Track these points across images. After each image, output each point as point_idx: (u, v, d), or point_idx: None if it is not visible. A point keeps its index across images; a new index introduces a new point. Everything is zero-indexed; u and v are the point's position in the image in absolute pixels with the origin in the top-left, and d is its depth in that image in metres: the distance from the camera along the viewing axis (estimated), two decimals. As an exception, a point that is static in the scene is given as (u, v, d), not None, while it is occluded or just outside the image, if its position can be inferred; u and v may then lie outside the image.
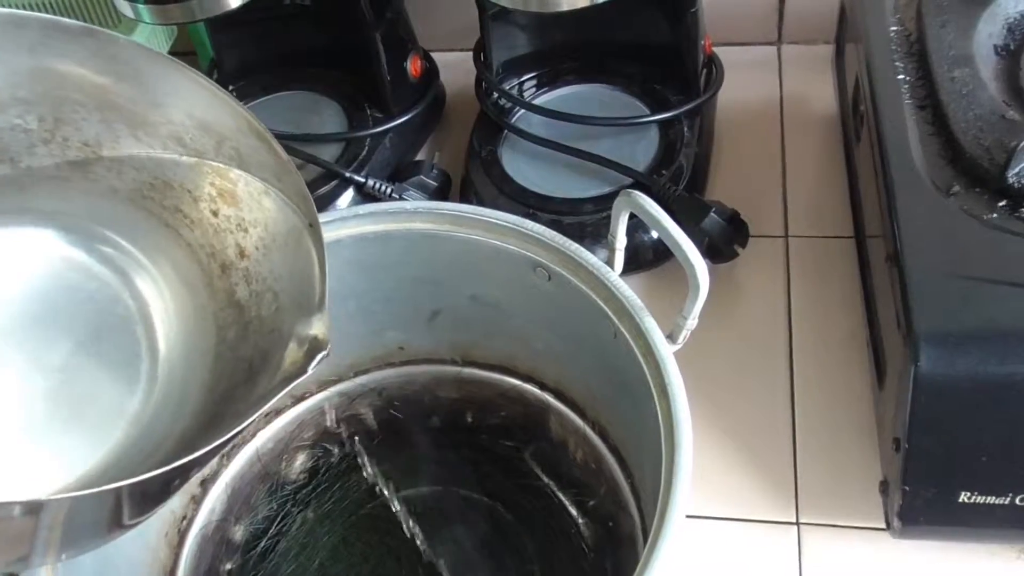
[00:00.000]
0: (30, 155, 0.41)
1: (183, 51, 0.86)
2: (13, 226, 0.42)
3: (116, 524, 0.37)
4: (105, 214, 0.44)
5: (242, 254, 0.44)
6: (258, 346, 0.42)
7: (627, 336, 0.44)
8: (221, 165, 0.43)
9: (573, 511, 0.56)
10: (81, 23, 0.38)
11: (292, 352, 0.40)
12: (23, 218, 0.42)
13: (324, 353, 0.39)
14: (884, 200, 0.49)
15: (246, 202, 0.43)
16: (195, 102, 0.41)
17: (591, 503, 0.55)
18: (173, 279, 0.45)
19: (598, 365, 0.48)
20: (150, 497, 0.36)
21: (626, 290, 0.45)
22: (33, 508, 0.31)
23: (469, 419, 0.59)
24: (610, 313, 0.45)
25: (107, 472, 0.40)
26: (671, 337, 0.44)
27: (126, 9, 0.61)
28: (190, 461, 0.33)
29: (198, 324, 0.44)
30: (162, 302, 0.44)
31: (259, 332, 0.43)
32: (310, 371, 0.39)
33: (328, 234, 0.50)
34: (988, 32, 0.54)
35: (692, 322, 0.43)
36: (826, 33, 0.76)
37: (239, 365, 0.42)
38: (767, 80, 0.78)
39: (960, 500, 0.45)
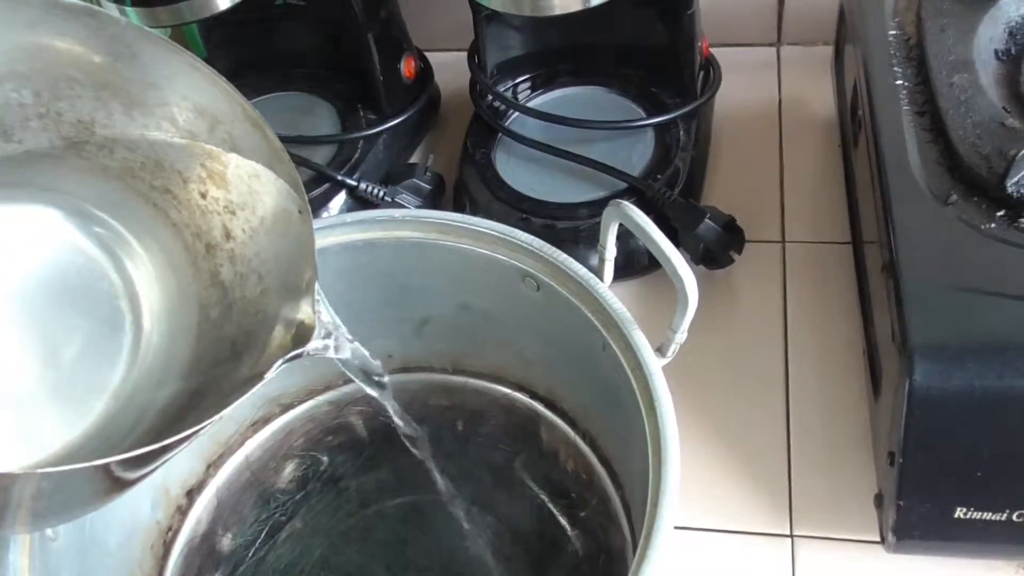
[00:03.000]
0: (23, 129, 0.41)
1: (176, 51, 0.85)
2: (5, 200, 0.43)
3: (89, 499, 0.37)
4: (94, 192, 0.44)
5: (228, 236, 0.44)
6: (242, 326, 0.43)
7: (615, 349, 0.43)
8: (213, 148, 0.43)
9: (564, 522, 0.55)
10: (83, 3, 0.38)
11: (279, 335, 0.41)
12: (16, 192, 0.43)
13: (310, 344, 0.40)
14: (880, 208, 0.48)
15: (235, 185, 0.44)
16: (191, 86, 0.41)
17: (582, 514, 0.54)
18: (158, 257, 0.45)
19: (588, 376, 0.48)
20: (119, 478, 0.36)
21: (615, 302, 0.44)
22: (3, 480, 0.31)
23: (460, 427, 0.59)
24: (598, 325, 0.44)
25: (88, 445, 0.40)
26: (660, 350, 0.43)
27: (113, 12, 0.60)
28: (164, 445, 0.33)
29: (181, 302, 0.45)
30: (146, 279, 0.45)
31: (243, 313, 0.43)
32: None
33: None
34: (989, 36, 0.53)
35: (682, 336, 0.42)
36: (826, 34, 0.75)
37: (222, 344, 0.43)
38: (766, 82, 0.77)
39: (956, 516, 0.44)
